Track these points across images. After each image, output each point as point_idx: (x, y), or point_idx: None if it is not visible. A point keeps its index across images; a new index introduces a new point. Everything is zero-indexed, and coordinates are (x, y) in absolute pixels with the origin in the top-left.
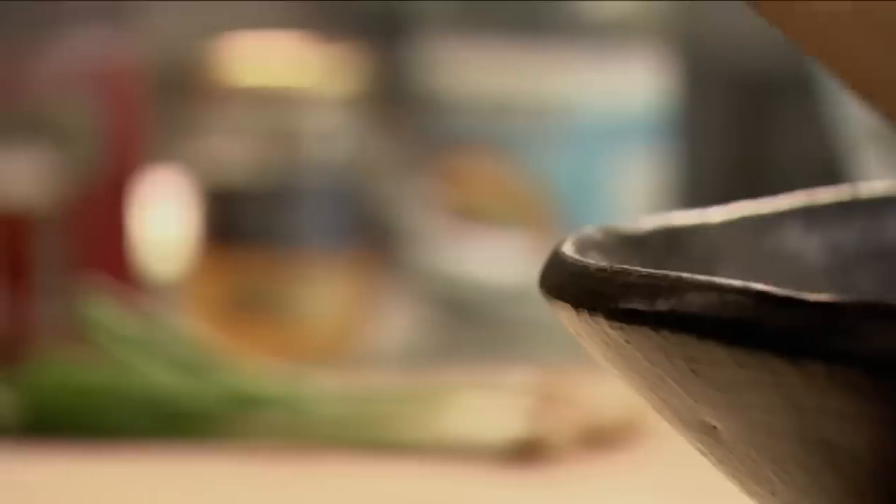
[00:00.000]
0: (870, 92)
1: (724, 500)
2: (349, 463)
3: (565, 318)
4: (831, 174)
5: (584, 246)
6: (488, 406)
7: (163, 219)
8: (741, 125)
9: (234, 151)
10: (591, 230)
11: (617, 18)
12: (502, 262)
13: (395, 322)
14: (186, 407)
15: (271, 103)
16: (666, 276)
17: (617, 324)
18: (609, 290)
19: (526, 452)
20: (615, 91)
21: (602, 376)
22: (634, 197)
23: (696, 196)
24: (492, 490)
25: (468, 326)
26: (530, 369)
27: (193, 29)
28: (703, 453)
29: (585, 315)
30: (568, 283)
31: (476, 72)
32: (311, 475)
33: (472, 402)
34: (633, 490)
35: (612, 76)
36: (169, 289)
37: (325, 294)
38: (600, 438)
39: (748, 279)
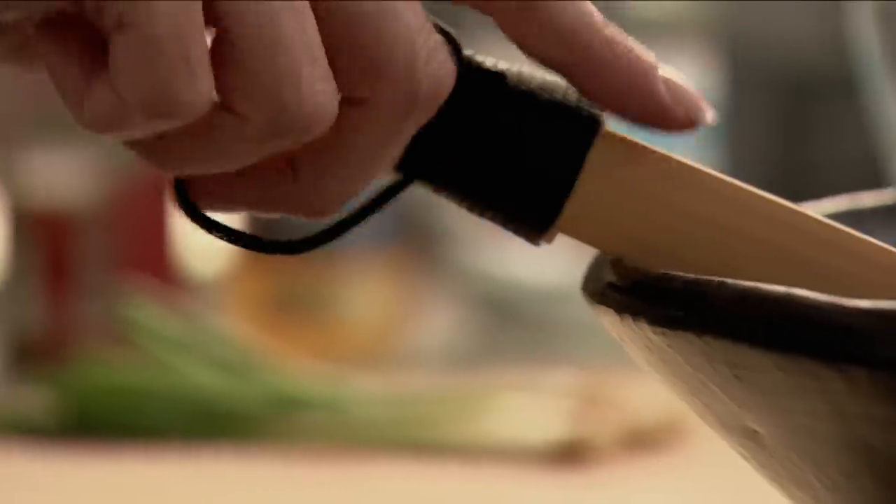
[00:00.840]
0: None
1: (765, 503)
2: (391, 464)
3: (608, 322)
4: (874, 176)
5: None
6: (530, 408)
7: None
8: (785, 127)
9: None
10: None
11: (662, 19)
12: (544, 263)
13: (437, 322)
14: (228, 408)
15: None
16: (709, 282)
17: (660, 329)
18: (652, 295)
19: (568, 454)
20: None
21: (644, 378)
22: None
23: None
24: (534, 491)
25: (510, 327)
26: (572, 371)
27: None
28: (745, 458)
29: (629, 320)
30: (611, 288)
31: None
32: (352, 476)
33: (514, 404)
34: (674, 491)
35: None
36: (210, 289)
37: (366, 294)
38: (642, 440)
39: None
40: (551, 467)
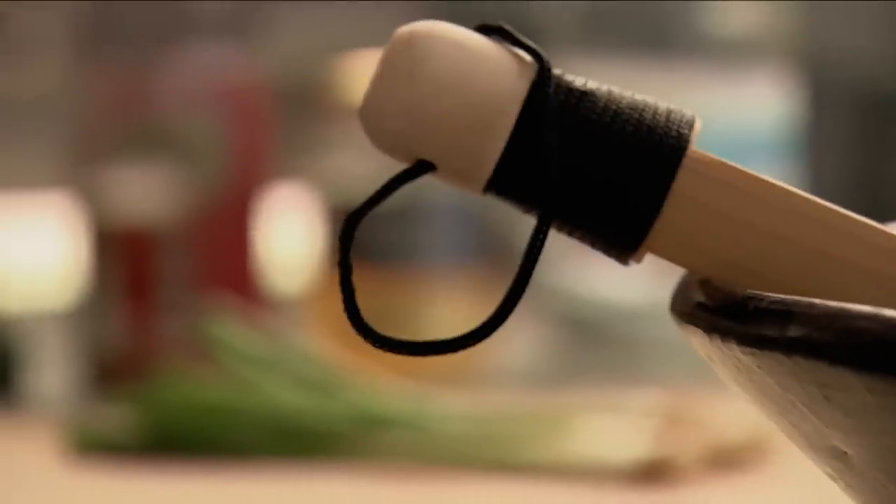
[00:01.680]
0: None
1: None
2: (474, 483)
3: (697, 342)
4: None
5: None
6: (614, 427)
7: (287, 236)
8: (864, 143)
9: (359, 168)
10: None
11: (742, 36)
12: (627, 282)
13: (520, 341)
14: (312, 426)
15: None
16: (798, 302)
17: (748, 349)
18: (741, 315)
19: (652, 474)
20: (739, 108)
21: (728, 397)
22: None
23: None
24: None
25: (593, 346)
26: (656, 390)
27: (319, 46)
28: (832, 478)
29: (717, 340)
30: (699, 308)
31: None
32: (435, 495)
33: (598, 424)
34: None
35: (737, 94)
36: (292, 306)
37: (449, 312)
38: (726, 460)
39: None
40: (635, 487)
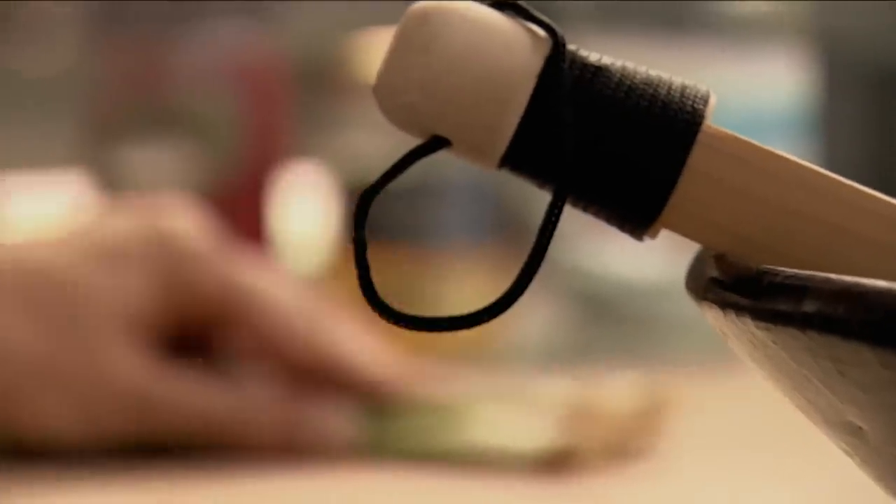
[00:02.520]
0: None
1: None
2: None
3: (711, 318)
4: None
5: None
6: (518, 417)
7: (302, 214)
8: (879, 120)
9: (373, 147)
10: None
11: (757, 15)
12: (642, 258)
13: (535, 318)
14: None
15: None
16: (812, 277)
17: (763, 324)
18: (755, 290)
19: (555, 463)
20: (755, 88)
21: (625, 385)
22: None
23: None
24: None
25: (608, 323)
26: (560, 380)
27: (334, 24)
28: (847, 454)
29: (732, 315)
30: (714, 284)
31: None
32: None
33: (502, 413)
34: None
35: (752, 73)
36: (307, 284)
37: (464, 289)
38: (627, 448)
39: None
40: (538, 476)
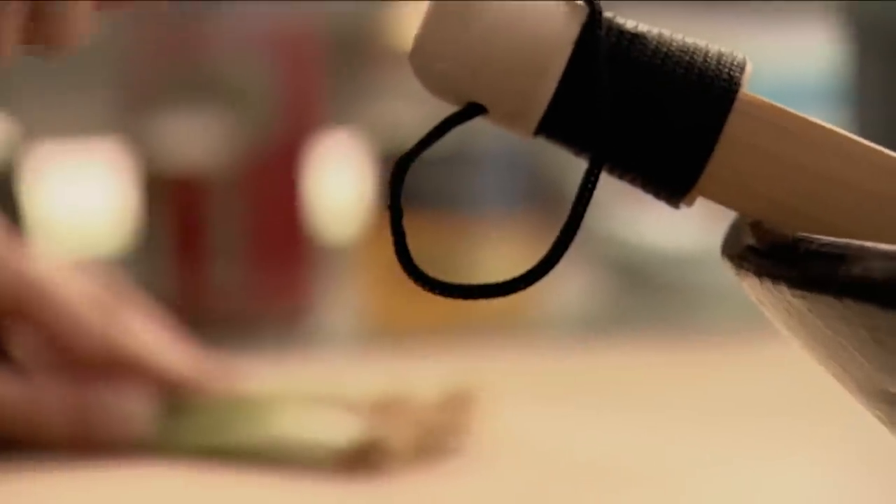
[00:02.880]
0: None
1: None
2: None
3: (748, 286)
4: None
5: None
6: (322, 412)
7: (336, 183)
8: None
9: (409, 115)
10: None
11: None
12: (677, 227)
13: (571, 287)
14: None
15: None
16: (849, 245)
17: (799, 292)
18: (792, 258)
19: (359, 459)
20: (785, 57)
21: (437, 380)
22: None
23: None
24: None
25: (643, 292)
26: (367, 377)
27: None
28: (882, 422)
29: (768, 283)
30: (750, 252)
31: None
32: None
33: (305, 409)
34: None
35: (784, 42)
36: (341, 253)
37: (499, 258)
38: (436, 445)
39: None
40: (343, 473)
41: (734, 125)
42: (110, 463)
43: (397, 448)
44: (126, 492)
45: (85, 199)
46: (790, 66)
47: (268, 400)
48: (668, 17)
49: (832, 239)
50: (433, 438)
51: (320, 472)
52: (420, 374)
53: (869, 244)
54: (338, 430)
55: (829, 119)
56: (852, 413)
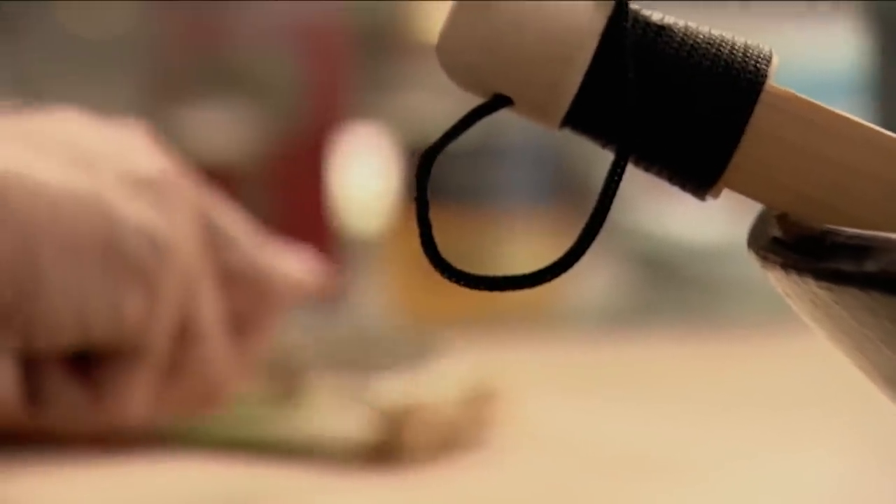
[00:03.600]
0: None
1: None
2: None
3: (774, 278)
4: None
5: None
6: (345, 408)
7: (362, 174)
8: None
9: (434, 107)
10: None
11: None
12: (702, 220)
13: (596, 280)
14: None
15: None
16: (875, 237)
17: (825, 284)
18: (818, 250)
19: (380, 455)
20: (813, 49)
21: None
22: None
23: None
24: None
25: (668, 285)
26: (389, 376)
27: None
28: None
29: (794, 275)
30: (776, 244)
31: None
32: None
33: (329, 404)
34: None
35: (810, 34)
36: (367, 245)
37: (525, 251)
38: (453, 440)
39: None
40: (362, 468)
41: (760, 117)
42: (133, 455)
43: (422, 442)
44: (153, 483)
45: None
46: (814, 58)
47: (291, 396)
48: (692, 12)
49: (858, 231)
50: (457, 432)
51: (345, 466)
52: (446, 367)
53: (894, 236)
54: (363, 424)
55: (853, 111)
56: (878, 405)
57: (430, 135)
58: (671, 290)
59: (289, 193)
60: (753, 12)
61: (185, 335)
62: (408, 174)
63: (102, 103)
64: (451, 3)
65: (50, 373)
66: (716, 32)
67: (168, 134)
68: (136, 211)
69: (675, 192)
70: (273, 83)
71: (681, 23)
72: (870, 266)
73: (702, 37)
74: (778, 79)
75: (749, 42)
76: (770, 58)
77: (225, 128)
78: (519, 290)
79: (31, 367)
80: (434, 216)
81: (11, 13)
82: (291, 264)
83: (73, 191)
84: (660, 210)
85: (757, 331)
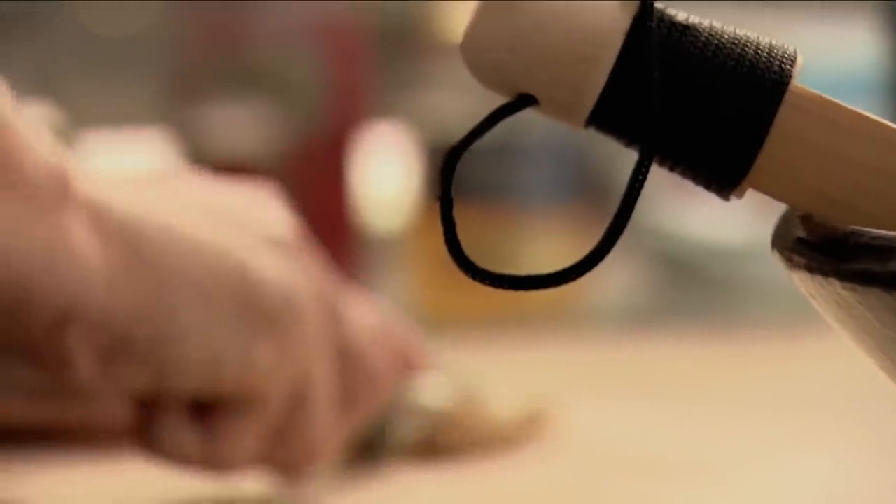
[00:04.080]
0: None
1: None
2: None
3: (798, 279)
4: None
5: None
6: (395, 407)
7: (383, 173)
8: None
9: (456, 106)
10: None
11: None
12: (724, 220)
13: (618, 280)
14: None
15: None
16: None
17: (849, 285)
18: (842, 251)
19: (426, 453)
20: (832, 49)
21: (507, 381)
22: None
23: None
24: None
25: (691, 285)
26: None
27: None
28: None
29: (818, 276)
30: (800, 244)
31: None
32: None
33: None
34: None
35: (829, 35)
36: (389, 243)
37: (546, 252)
38: (502, 442)
39: None
40: (410, 466)
41: (785, 117)
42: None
43: (466, 442)
44: (162, 484)
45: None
46: (833, 58)
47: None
48: (716, 12)
49: (882, 232)
50: (502, 433)
51: (393, 464)
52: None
53: None
54: (412, 421)
55: (876, 112)
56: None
57: (451, 133)
58: (693, 291)
59: (310, 192)
60: (772, 12)
61: (299, 395)
62: (429, 173)
63: (125, 100)
64: (475, 2)
65: (169, 410)
66: (741, 32)
67: (190, 132)
68: (269, 266)
69: (696, 191)
70: (294, 82)
71: (706, 22)
72: (894, 266)
73: (727, 37)
74: (801, 78)
75: (774, 42)
76: (794, 58)
77: (246, 126)
78: (542, 290)
79: (153, 402)
80: (457, 214)
81: (32, 12)
82: (394, 341)
83: (208, 242)
84: (681, 210)
85: (778, 331)
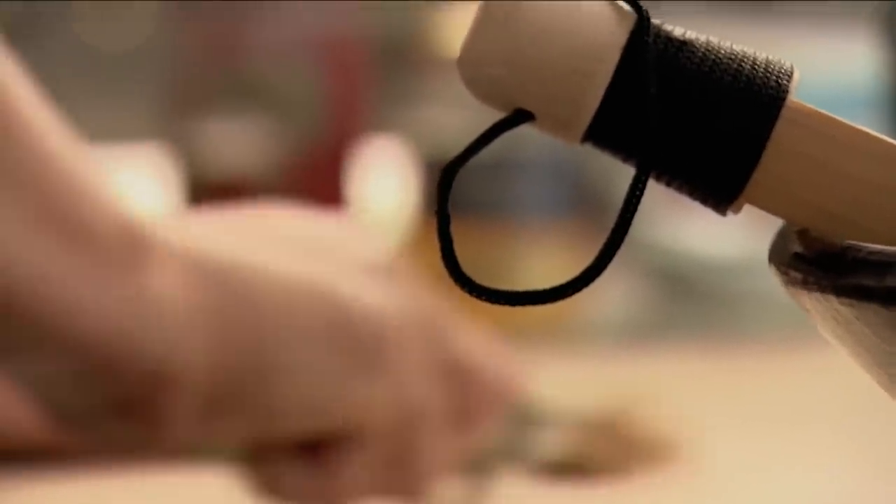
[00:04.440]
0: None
1: None
2: None
3: (794, 294)
4: None
5: None
6: (528, 424)
7: (381, 188)
8: None
9: (453, 122)
10: None
11: None
12: (721, 235)
13: (615, 295)
14: None
15: None
16: None
17: (847, 300)
18: (839, 266)
19: (573, 470)
20: (829, 64)
21: (655, 394)
22: None
23: None
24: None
25: (688, 300)
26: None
27: None
28: None
29: (816, 291)
30: (797, 259)
31: None
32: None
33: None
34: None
35: (827, 50)
36: None
37: (543, 265)
38: (649, 458)
39: None
40: (555, 482)
41: (782, 133)
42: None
43: (602, 461)
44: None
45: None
46: (831, 73)
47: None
48: (713, 27)
49: (880, 247)
50: (639, 465)
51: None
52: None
53: None
54: (546, 441)
55: (874, 127)
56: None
57: (448, 148)
58: (690, 305)
59: (307, 206)
60: (769, 27)
61: (406, 420)
62: (427, 187)
63: (123, 115)
64: (472, 17)
65: (279, 452)
66: (737, 47)
67: (188, 147)
68: (365, 298)
69: (693, 206)
70: (292, 96)
71: (702, 38)
72: (891, 281)
73: (723, 52)
74: (798, 93)
75: (770, 57)
76: (791, 73)
77: (244, 140)
78: (539, 305)
79: (261, 446)
80: (453, 229)
81: (31, 25)
82: (499, 365)
83: (303, 279)
84: (678, 225)
85: (775, 346)
